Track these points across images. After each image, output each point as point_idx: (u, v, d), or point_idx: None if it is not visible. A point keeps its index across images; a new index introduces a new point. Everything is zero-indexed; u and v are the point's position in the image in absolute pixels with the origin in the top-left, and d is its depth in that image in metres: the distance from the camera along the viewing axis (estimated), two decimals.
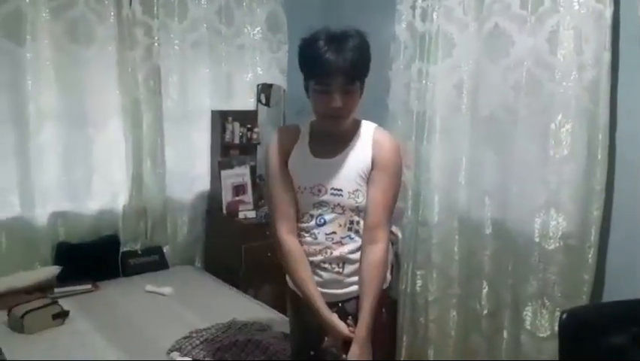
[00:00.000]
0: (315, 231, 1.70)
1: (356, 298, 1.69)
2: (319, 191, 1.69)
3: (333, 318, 1.67)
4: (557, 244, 2.48)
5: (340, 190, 1.67)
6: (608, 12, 2.33)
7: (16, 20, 2.84)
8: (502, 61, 2.72)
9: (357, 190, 1.68)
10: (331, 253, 1.69)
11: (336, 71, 1.57)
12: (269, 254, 3.29)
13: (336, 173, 1.68)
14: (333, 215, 1.68)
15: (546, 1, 2.52)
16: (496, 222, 2.77)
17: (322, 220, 1.69)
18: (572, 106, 2.43)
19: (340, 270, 1.70)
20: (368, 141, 1.70)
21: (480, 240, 2.83)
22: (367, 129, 1.73)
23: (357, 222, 1.68)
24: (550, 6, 2.50)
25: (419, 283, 3.07)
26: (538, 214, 2.54)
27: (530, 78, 2.59)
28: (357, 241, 1.70)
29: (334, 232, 1.68)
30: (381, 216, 1.67)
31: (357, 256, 1.69)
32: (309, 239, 1.71)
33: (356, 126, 1.73)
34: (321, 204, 1.69)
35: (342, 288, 1.72)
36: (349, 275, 1.71)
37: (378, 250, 1.66)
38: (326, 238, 1.69)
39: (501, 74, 2.73)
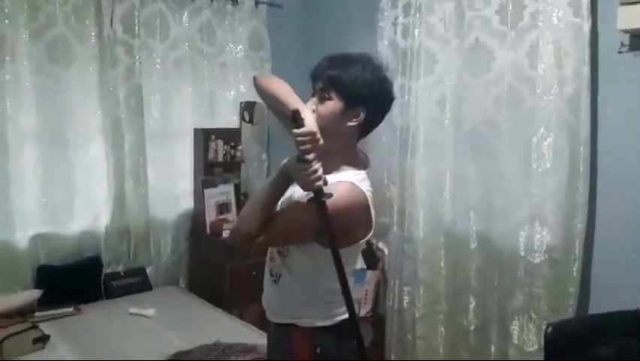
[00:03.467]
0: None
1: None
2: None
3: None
4: (542, 258, 2.50)
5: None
6: (586, 26, 2.36)
7: None
8: (484, 75, 2.76)
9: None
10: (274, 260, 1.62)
11: (314, 72, 1.54)
12: (254, 273, 3.26)
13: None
14: None
15: (525, 16, 2.56)
16: (482, 237, 2.77)
17: None
18: (553, 119, 2.46)
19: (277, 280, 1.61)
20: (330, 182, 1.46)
21: (466, 254, 2.83)
22: (339, 176, 1.51)
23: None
24: (529, 21, 2.55)
25: (406, 299, 3.05)
26: (522, 228, 2.56)
27: (512, 92, 2.62)
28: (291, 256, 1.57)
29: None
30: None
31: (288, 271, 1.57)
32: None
33: (334, 169, 1.52)
34: None
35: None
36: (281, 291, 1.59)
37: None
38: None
39: (483, 89, 2.76)
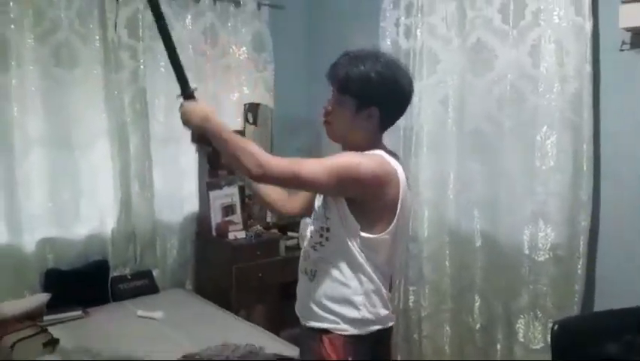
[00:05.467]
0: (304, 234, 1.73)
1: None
2: (318, 197, 1.68)
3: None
4: (547, 256, 2.51)
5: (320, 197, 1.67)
6: (588, 25, 2.38)
7: (1, 47, 2.83)
8: (487, 75, 2.78)
9: (325, 196, 1.61)
10: (308, 257, 1.66)
11: (328, 72, 1.60)
12: (260, 274, 3.29)
13: None
14: (315, 220, 1.66)
15: (527, 15, 2.58)
16: (486, 235, 2.79)
17: (311, 226, 1.69)
18: (556, 118, 2.48)
19: (312, 277, 1.65)
20: None
21: (471, 253, 2.85)
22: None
23: (327, 230, 1.60)
24: (531, 20, 2.56)
25: (412, 298, 3.07)
26: (526, 226, 2.57)
27: (514, 91, 2.64)
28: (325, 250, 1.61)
29: (312, 237, 1.66)
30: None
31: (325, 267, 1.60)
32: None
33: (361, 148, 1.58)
34: (314, 210, 1.69)
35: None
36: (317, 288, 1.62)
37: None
38: (308, 242, 1.68)
39: (485, 88, 2.78)
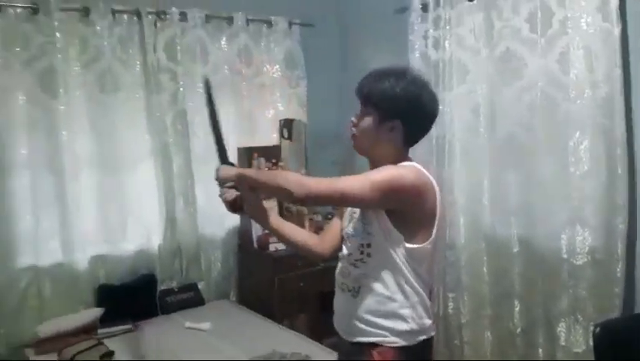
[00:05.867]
0: (341, 254, 1.74)
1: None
2: (350, 215, 1.73)
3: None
4: (585, 259, 2.52)
5: (356, 213, 1.69)
6: (617, 30, 2.40)
7: (50, 75, 2.99)
8: (516, 83, 2.81)
9: (365, 212, 1.64)
10: (348, 274, 1.68)
11: (356, 89, 1.68)
12: (301, 284, 3.38)
13: None
14: (353, 238, 1.68)
15: (554, 23, 2.61)
16: (523, 241, 2.82)
17: (347, 244, 1.72)
18: (588, 123, 2.50)
19: (356, 294, 1.66)
20: None
21: (508, 259, 2.88)
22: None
23: (368, 245, 1.63)
24: (559, 28, 2.59)
25: (451, 305, 3.11)
26: (563, 231, 2.59)
27: (545, 98, 2.67)
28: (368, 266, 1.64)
29: (351, 254, 1.68)
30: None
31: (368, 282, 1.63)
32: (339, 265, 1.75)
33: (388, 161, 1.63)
34: (348, 228, 1.72)
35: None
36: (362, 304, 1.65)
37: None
38: (346, 260, 1.70)
39: (516, 96, 2.81)
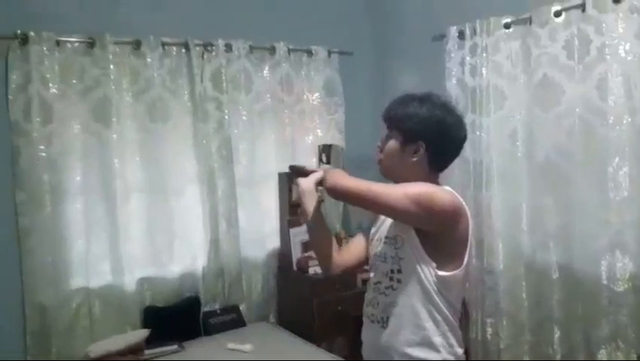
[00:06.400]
0: (370, 284, 1.73)
1: None
2: (378, 240, 1.73)
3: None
4: (626, 286, 2.51)
5: (387, 237, 1.68)
6: None
7: (103, 105, 3.14)
8: (554, 109, 2.83)
9: (396, 236, 1.64)
10: (377, 304, 1.67)
11: (383, 114, 1.72)
12: (339, 308, 3.43)
13: (386, 220, 1.72)
14: (381, 264, 1.68)
15: (592, 50, 2.63)
16: (563, 267, 2.81)
17: (375, 270, 1.71)
18: (628, 149, 2.50)
19: (385, 324, 1.64)
20: None
21: (547, 285, 2.87)
22: None
23: (399, 271, 1.61)
24: (596, 55, 2.61)
25: (489, 331, 3.10)
26: (603, 257, 2.58)
27: (583, 124, 2.68)
28: (397, 294, 1.62)
29: (379, 282, 1.66)
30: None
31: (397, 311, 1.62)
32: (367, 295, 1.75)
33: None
34: (376, 255, 1.72)
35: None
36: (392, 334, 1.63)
37: None
38: (374, 289, 1.70)
39: (554, 122, 2.83)
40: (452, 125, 1.64)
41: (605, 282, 2.57)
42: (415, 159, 1.64)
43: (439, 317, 1.59)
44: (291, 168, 1.92)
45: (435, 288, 1.57)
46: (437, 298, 1.57)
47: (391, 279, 1.62)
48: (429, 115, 1.62)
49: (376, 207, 1.61)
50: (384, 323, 1.64)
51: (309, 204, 1.78)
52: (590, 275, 2.65)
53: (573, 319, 2.76)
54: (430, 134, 1.62)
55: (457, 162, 3.16)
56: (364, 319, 1.73)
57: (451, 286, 1.59)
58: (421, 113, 1.62)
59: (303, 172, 1.83)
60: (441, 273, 1.56)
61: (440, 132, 1.63)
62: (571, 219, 2.77)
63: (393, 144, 1.66)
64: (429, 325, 1.58)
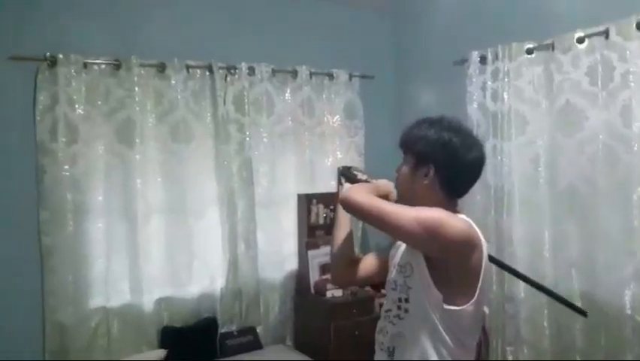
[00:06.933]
0: (382, 311, 1.69)
1: None
2: (393, 267, 1.67)
3: None
4: None
5: (399, 264, 1.62)
6: None
7: (127, 127, 3.20)
8: (577, 135, 2.81)
9: (407, 263, 1.57)
10: (386, 333, 1.61)
11: (399, 137, 1.70)
12: (356, 332, 3.39)
13: (401, 246, 1.66)
14: (391, 291, 1.62)
15: (616, 77, 2.62)
16: (585, 295, 2.76)
17: (387, 297, 1.67)
18: None
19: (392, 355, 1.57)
20: None
21: (570, 313, 2.80)
22: None
23: (406, 300, 1.54)
24: (620, 82, 2.60)
25: (510, 358, 3.05)
26: (627, 286, 2.53)
27: (607, 150, 2.66)
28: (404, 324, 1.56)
29: (390, 310, 1.61)
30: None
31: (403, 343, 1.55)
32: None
33: None
34: (389, 281, 1.68)
35: None
36: None
37: None
38: (384, 317, 1.65)
39: (577, 148, 2.81)
40: (461, 147, 1.58)
41: (629, 312, 2.52)
42: (426, 182, 1.59)
43: (445, 353, 1.49)
44: (343, 169, 1.92)
45: (442, 322, 1.49)
46: (445, 334, 1.49)
47: (399, 308, 1.57)
48: (437, 137, 1.57)
49: (384, 225, 1.53)
50: (390, 353, 1.58)
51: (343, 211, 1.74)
52: (613, 305, 2.60)
53: (596, 349, 2.70)
54: (439, 156, 1.57)
55: (477, 187, 3.21)
56: (375, 346, 1.68)
57: (460, 321, 1.50)
58: (429, 135, 1.59)
59: (353, 178, 1.83)
60: (447, 307, 1.48)
61: (448, 154, 1.57)
62: (594, 248, 2.72)
63: (405, 168, 1.63)
64: (434, 353, 1.49)
